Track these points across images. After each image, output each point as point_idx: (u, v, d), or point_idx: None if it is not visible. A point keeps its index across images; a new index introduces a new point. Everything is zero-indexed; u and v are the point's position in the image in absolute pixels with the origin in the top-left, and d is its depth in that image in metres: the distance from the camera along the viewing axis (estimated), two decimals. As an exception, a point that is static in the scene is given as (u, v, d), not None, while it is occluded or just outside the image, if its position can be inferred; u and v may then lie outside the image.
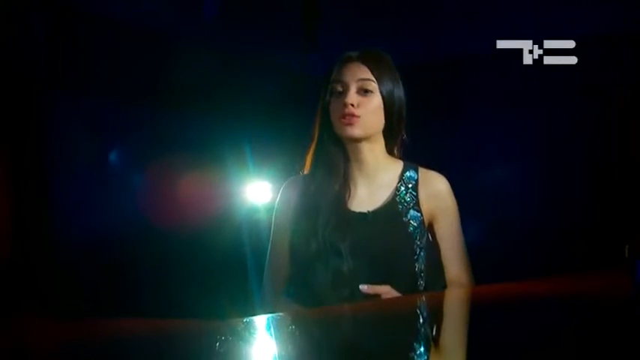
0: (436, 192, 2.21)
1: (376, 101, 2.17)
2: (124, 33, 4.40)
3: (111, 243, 4.23)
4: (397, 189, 2.21)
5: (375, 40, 2.36)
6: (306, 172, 2.26)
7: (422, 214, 2.19)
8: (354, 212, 2.18)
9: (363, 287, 2.07)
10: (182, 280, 4.35)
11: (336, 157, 2.20)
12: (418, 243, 2.17)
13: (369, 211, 2.18)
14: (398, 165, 2.26)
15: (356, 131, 2.15)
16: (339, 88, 2.17)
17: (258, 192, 4.95)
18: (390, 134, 2.24)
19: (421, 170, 2.25)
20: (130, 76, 4.45)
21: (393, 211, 2.17)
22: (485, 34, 4.17)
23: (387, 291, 2.09)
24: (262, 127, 4.89)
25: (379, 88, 2.16)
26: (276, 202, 2.26)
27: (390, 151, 2.27)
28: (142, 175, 4.40)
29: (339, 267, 2.09)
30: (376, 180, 2.22)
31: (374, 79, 2.16)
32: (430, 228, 2.23)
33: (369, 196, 2.21)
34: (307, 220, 2.16)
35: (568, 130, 4.93)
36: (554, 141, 5.01)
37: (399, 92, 2.20)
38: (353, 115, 2.13)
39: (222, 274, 4.52)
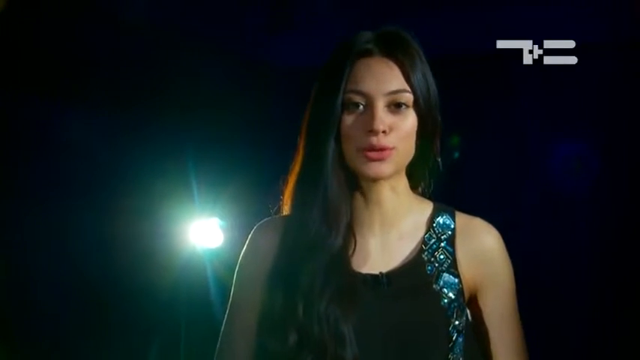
0: (482, 249, 1.94)
1: (411, 120, 1.88)
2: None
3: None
4: (425, 241, 1.94)
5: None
6: (285, 211, 1.99)
7: (461, 281, 1.91)
8: (360, 274, 1.88)
9: None
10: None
11: (340, 193, 1.91)
12: (455, 323, 1.87)
13: (382, 273, 1.87)
14: (426, 207, 1.99)
15: (386, 169, 1.86)
16: (359, 101, 1.87)
17: (205, 232, 4.58)
18: (420, 164, 1.95)
19: (459, 216, 1.98)
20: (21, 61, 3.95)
21: (418, 274, 1.90)
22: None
23: None
24: (212, 141, 4.55)
25: (415, 100, 1.88)
26: (242, 256, 1.97)
27: (414, 186, 1.99)
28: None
29: None
30: (395, 228, 1.95)
31: (409, 89, 1.86)
32: (472, 303, 1.93)
33: (384, 251, 1.94)
34: (289, 287, 1.85)
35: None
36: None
37: (436, 101, 1.91)
38: (384, 149, 1.85)
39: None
